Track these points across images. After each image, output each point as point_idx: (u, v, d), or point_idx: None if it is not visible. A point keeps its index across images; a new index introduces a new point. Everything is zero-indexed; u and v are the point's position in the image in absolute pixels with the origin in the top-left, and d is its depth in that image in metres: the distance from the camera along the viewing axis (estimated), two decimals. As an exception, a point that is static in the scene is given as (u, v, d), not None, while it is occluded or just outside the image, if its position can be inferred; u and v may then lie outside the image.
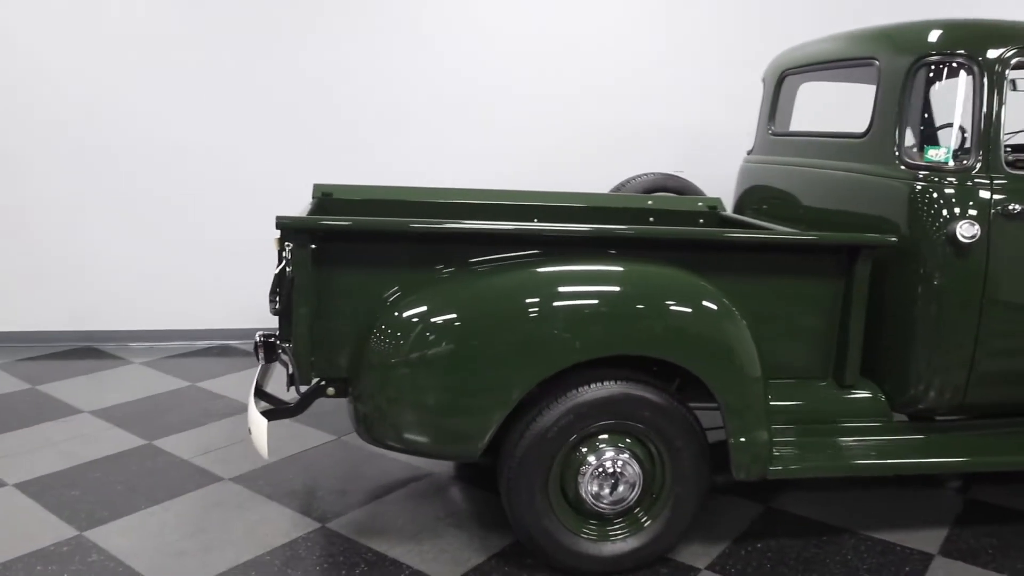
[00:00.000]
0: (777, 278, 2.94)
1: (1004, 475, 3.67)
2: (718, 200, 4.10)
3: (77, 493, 3.25)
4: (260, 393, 2.91)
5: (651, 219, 4.03)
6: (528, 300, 2.62)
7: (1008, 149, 3.56)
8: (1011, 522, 3.24)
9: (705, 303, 2.70)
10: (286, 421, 4.00)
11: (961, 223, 2.80)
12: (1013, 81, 3.35)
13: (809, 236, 3.02)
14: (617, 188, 4.64)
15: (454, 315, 2.60)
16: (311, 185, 3.77)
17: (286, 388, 2.80)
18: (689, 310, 2.69)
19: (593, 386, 2.66)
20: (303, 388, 2.74)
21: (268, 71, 5.18)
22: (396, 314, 2.60)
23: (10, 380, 4.53)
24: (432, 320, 2.59)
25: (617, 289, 2.69)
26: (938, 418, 3.16)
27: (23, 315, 5.09)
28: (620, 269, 2.74)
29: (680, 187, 4.62)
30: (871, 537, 3.09)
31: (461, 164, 5.33)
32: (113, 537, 2.93)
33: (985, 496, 3.46)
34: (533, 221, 3.89)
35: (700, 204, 4.11)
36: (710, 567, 2.86)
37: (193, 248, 5.16)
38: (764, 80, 4.02)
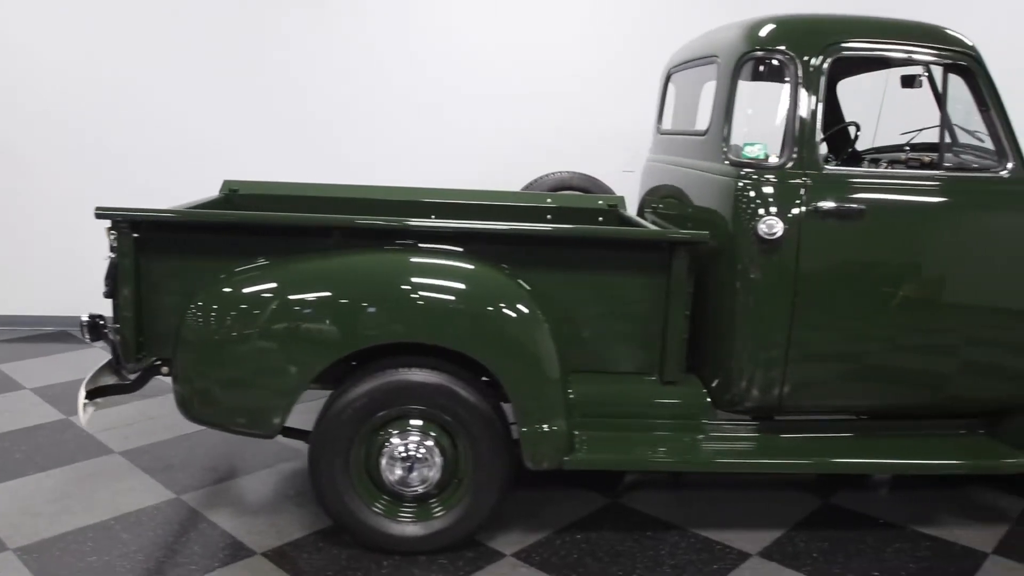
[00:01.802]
0: (601, 274, 2.98)
1: (873, 481, 3.58)
2: (620, 199, 4.13)
3: (-21, 459, 3.58)
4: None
5: (548, 217, 4.09)
6: (321, 288, 2.76)
7: (907, 148, 3.50)
8: (856, 528, 3.17)
9: (500, 300, 2.77)
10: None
11: (765, 220, 2.78)
12: (914, 77, 3.30)
13: (610, 231, 3.04)
14: (528, 186, 4.70)
15: (252, 300, 2.75)
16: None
17: (112, 366, 3.02)
18: (478, 305, 2.76)
19: (388, 372, 2.78)
20: (131, 367, 2.96)
21: (264, 71, 5.49)
22: (203, 298, 2.78)
23: (-22, 358, 4.97)
24: (232, 303, 2.75)
25: (407, 280, 2.78)
26: (777, 418, 3.14)
27: (10, 300, 5.55)
28: (421, 262, 2.84)
29: (587, 185, 4.65)
30: (697, 535, 3.08)
31: (430, 164, 5.49)
32: (-12, 498, 3.23)
33: (842, 501, 3.39)
34: (430, 217, 4.01)
35: (600, 202, 4.14)
36: (517, 554, 2.93)
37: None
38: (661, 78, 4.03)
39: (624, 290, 2.98)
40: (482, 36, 5.48)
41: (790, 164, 2.84)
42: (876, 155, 3.76)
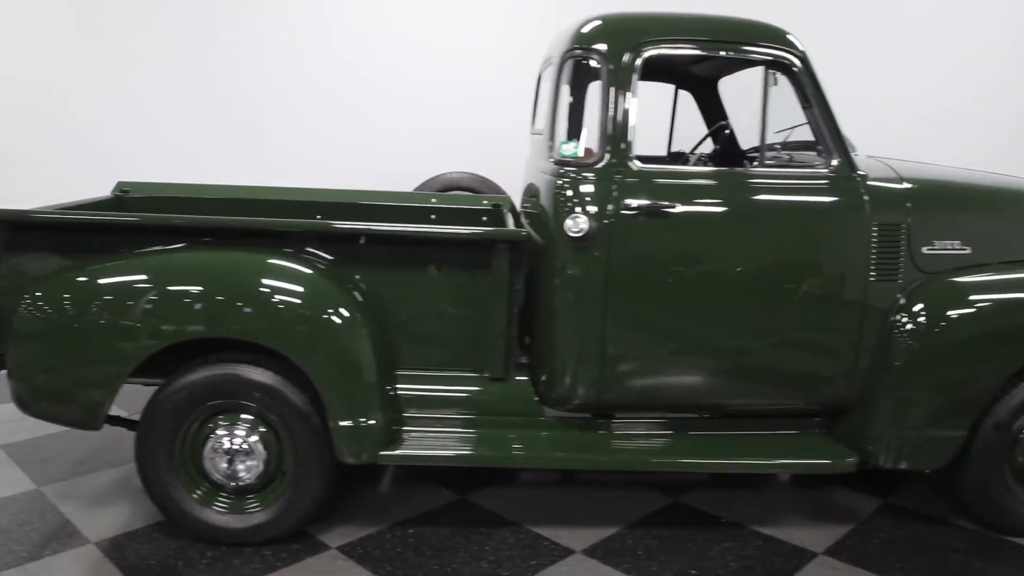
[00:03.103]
0: (427, 270, 3.04)
1: (730, 480, 3.56)
2: (506, 199, 4.17)
3: None
4: None
5: (433, 217, 4.13)
6: (141, 284, 2.83)
7: (778, 147, 3.49)
8: (695, 527, 3.16)
9: (318, 303, 2.83)
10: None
11: (572, 217, 2.80)
12: (774, 76, 3.29)
13: (427, 230, 3.11)
14: (421, 186, 4.75)
15: (76, 295, 2.82)
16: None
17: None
18: (294, 306, 2.82)
19: (205, 367, 2.85)
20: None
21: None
22: (31, 293, 2.85)
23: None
24: (57, 298, 2.83)
25: (233, 279, 2.85)
26: (618, 416, 3.15)
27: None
28: (252, 261, 2.91)
29: (477, 186, 4.68)
30: (530, 531, 3.10)
31: (343, 163, 5.57)
32: None
33: (691, 500, 3.38)
34: (316, 218, 4.07)
35: (485, 203, 4.18)
36: (342, 547, 2.98)
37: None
38: (542, 80, 4.06)
39: (454, 288, 3.04)
40: (403, 38, 5.55)
41: (603, 162, 2.85)
42: (754, 154, 3.74)
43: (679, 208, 2.82)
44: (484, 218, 4.11)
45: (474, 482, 3.48)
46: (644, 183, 2.83)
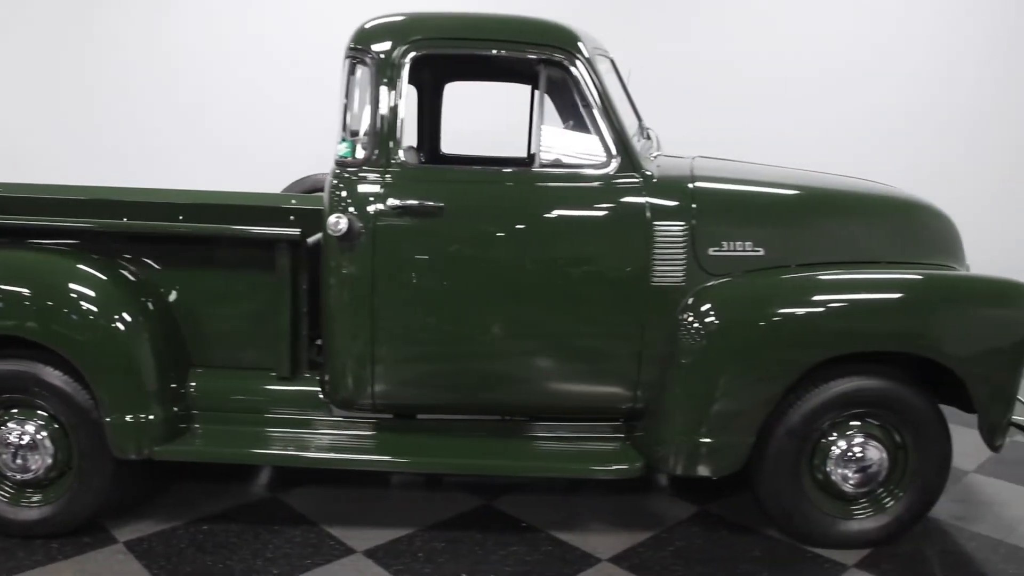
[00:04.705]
0: (228, 271, 3.10)
1: (546, 484, 3.52)
2: (366, 199, 4.17)
3: None
4: None
5: (292, 218, 4.15)
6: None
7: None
8: (491, 531, 3.13)
9: (97, 304, 2.89)
10: None
11: (334, 216, 2.81)
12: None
13: (208, 228, 3.14)
14: (288, 188, 4.77)
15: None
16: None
17: None
18: (70, 305, 2.88)
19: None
20: None
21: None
22: None
23: None
24: None
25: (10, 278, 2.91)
26: (420, 417, 3.15)
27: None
28: (37, 260, 3.01)
29: None
30: (322, 531, 3.11)
31: (230, 164, 5.63)
32: None
33: (503, 504, 3.35)
34: (178, 219, 4.12)
35: (345, 204, 4.19)
36: (128, 542, 3.01)
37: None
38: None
39: (250, 288, 3.08)
40: (280, 41, 5.63)
41: (371, 162, 2.85)
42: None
43: (448, 208, 2.81)
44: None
45: (291, 481, 3.49)
46: (411, 182, 2.83)
